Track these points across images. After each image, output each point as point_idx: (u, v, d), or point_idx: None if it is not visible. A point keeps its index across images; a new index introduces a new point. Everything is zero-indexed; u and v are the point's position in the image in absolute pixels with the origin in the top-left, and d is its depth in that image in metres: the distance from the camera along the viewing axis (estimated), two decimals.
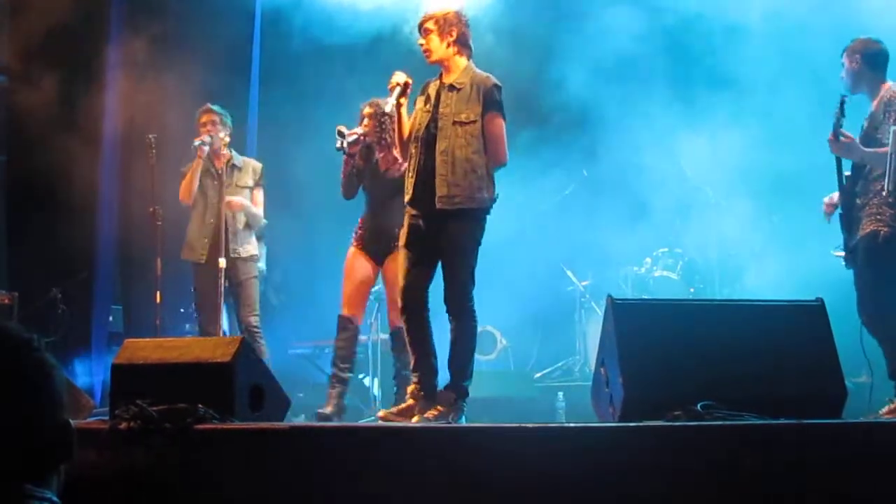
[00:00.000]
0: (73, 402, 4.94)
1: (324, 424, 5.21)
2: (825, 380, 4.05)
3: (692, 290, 8.13)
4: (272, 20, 8.78)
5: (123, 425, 3.71)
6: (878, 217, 5.11)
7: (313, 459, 3.53)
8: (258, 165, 6.83)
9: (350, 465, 3.47)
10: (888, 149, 4.96)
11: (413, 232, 5.01)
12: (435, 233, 4.93)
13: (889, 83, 5.27)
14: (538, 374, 8.49)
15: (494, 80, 4.97)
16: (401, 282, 5.02)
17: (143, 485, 3.63)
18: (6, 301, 6.99)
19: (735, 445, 3.43)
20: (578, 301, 8.67)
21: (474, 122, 4.89)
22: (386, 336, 8.01)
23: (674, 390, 3.83)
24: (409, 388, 5.03)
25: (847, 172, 5.31)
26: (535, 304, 8.61)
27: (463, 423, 4.81)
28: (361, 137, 5.77)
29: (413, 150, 5.03)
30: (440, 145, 4.90)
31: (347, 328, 5.77)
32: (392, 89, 5.08)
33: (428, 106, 5.04)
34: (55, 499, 1.57)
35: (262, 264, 7.94)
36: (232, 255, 6.52)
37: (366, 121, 5.86)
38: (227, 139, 6.57)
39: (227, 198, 6.52)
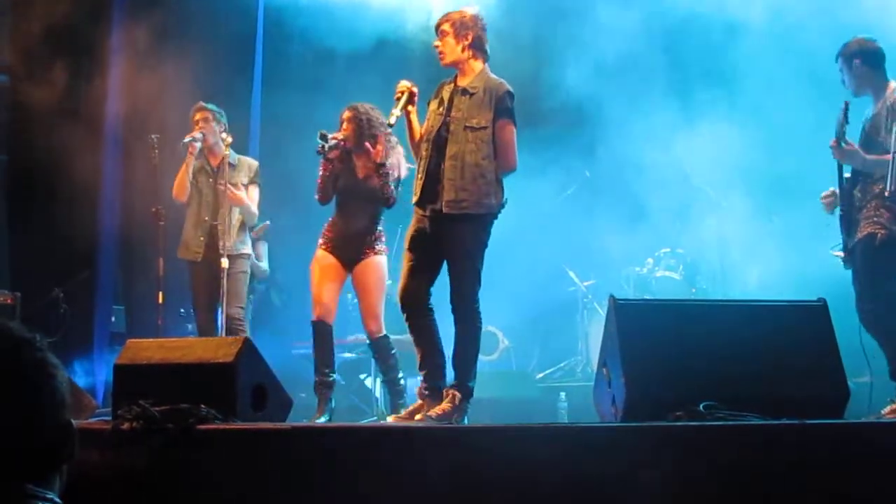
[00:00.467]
0: (76, 403, 4.93)
1: (326, 424, 5.22)
2: (827, 380, 4.05)
3: (694, 290, 8.13)
4: (275, 19, 8.78)
5: (126, 426, 3.72)
6: (876, 219, 5.11)
7: (315, 460, 3.53)
8: (254, 163, 6.79)
9: (351, 466, 3.47)
10: (889, 156, 4.95)
11: (418, 235, 5.01)
12: (440, 236, 4.93)
13: (893, 84, 5.25)
14: (540, 375, 8.49)
15: (507, 86, 4.95)
16: (401, 283, 5.02)
17: (145, 485, 3.63)
18: (8, 301, 7.00)
19: (737, 445, 3.43)
20: (580, 301, 8.67)
21: (485, 127, 4.88)
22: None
23: (676, 390, 3.84)
24: (418, 389, 5.06)
25: (847, 174, 5.31)
26: (537, 305, 8.61)
27: (465, 423, 4.82)
28: (342, 143, 5.73)
29: (423, 153, 5.02)
30: (450, 149, 4.90)
31: (323, 332, 5.71)
32: (398, 98, 5.07)
33: (441, 109, 5.01)
34: (57, 499, 1.57)
35: (264, 264, 7.95)
36: (220, 252, 6.43)
37: (345, 125, 5.82)
38: (229, 139, 6.53)
39: (230, 186, 6.45)
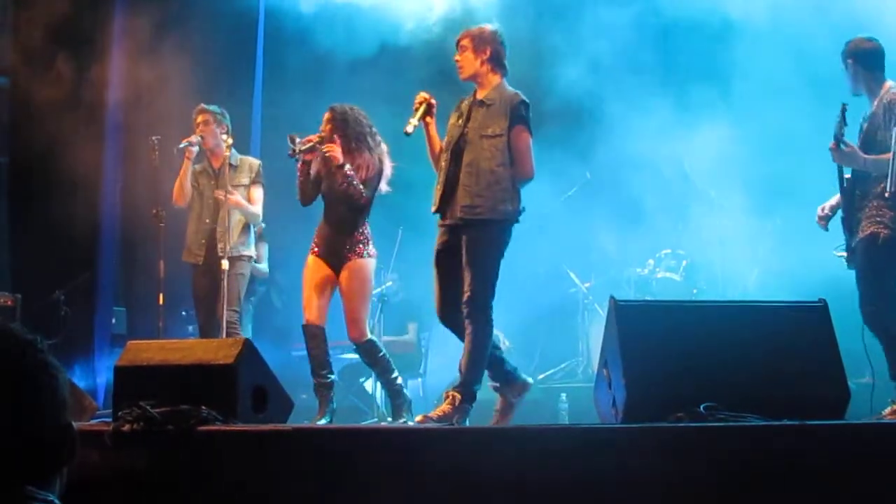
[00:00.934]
0: (76, 404, 4.94)
1: (326, 426, 5.21)
2: (828, 381, 4.05)
3: (695, 291, 8.13)
4: (275, 20, 8.78)
5: (126, 427, 3.72)
6: (878, 219, 5.10)
7: (316, 461, 3.54)
8: (255, 163, 6.75)
9: (352, 467, 3.47)
10: (889, 156, 4.94)
11: (442, 249, 5.13)
12: (459, 243, 5.03)
13: (889, 83, 5.24)
14: (541, 376, 8.47)
15: (522, 96, 5.08)
16: (436, 303, 5.14)
17: (145, 486, 3.63)
18: (9, 303, 7.00)
19: (737, 446, 3.43)
20: (581, 303, 8.66)
21: (500, 135, 5.00)
22: (388, 338, 8.04)
23: (676, 391, 3.84)
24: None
25: (847, 174, 5.31)
26: (538, 306, 8.60)
27: (466, 425, 4.83)
28: (317, 145, 5.68)
29: (443, 163, 5.15)
30: (466, 157, 5.04)
31: (314, 334, 5.67)
32: (416, 109, 5.17)
33: (460, 121, 5.17)
34: (57, 501, 1.57)
35: (264, 265, 7.94)
36: (219, 254, 6.41)
37: (322, 126, 5.79)
38: (230, 140, 6.51)
39: (225, 192, 6.41)
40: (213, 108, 6.66)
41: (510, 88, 5.14)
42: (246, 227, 6.68)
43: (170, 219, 6.84)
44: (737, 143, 7.93)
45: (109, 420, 4.04)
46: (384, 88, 7.82)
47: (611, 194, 8.51)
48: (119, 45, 7.93)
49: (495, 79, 5.16)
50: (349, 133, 5.70)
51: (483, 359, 4.98)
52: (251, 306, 7.84)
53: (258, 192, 6.67)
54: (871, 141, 5.18)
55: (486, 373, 5.12)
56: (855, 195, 5.25)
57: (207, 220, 6.57)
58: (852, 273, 5.25)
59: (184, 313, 8.12)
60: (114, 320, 8.00)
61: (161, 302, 6.75)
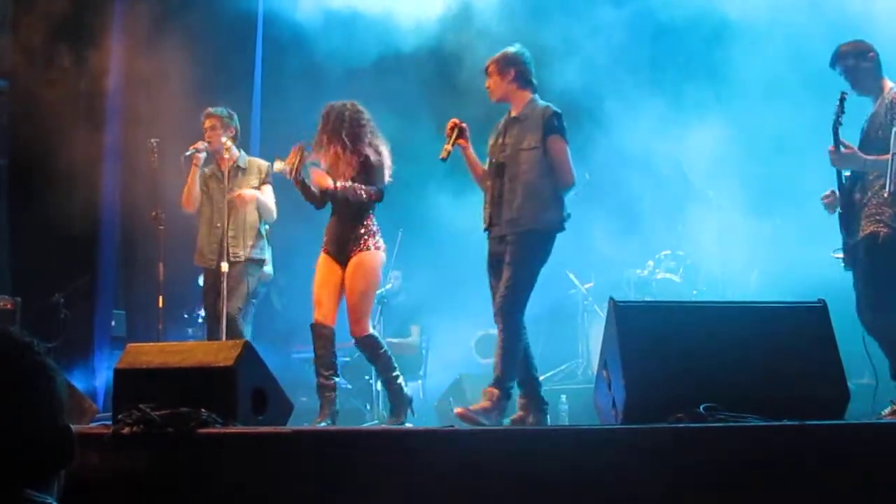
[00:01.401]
0: (76, 407, 4.94)
1: (326, 428, 5.20)
2: (827, 381, 4.04)
3: (695, 292, 8.13)
4: (276, 19, 8.79)
5: (126, 430, 3.72)
6: (878, 218, 5.08)
7: (315, 462, 3.53)
8: (264, 164, 6.71)
9: (351, 468, 3.47)
10: (888, 156, 4.93)
11: (491, 259, 5.37)
12: (505, 251, 5.25)
13: (890, 83, 5.24)
14: (541, 377, 8.46)
15: (554, 108, 5.31)
16: (495, 308, 5.30)
17: (145, 489, 3.63)
18: (8, 306, 7.00)
19: (737, 447, 3.43)
20: (581, 304, 8.67)
21: (536, 147, 5.22)
22: (390, 340, 8.03)
23: (676, 392, 3.83)
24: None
25: (847, 173, 5.29)
26: (538, 307, 8.54)
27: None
28: (301, 153, 5.69)
29: (488, 183, 5.38)
30: (508, 173, 5.28)
31: (322, 334, 5.63)
32: (448, 135, 5.36)
33: (500, 140, 5.41)
34: (55, 503, 1.57)
35: (269, 268, 7.93)
36: (233, 259, 6.41)
37: (319, 125, 5.80)
38: (228, 143, 6.50)
39: (238, 191, 6.43)
40: (219, 111, 6.63)
41: (541, 102, 5.38)
42: (258, 231, 6.63)
43: (169, 221, 6.84)
44: (735, 143, 7.94)
45: (109, 423, 4.04)
46: (383, 91, 7.82)
47: (610, 195, 8.51)
48: (119, 45, 7.92)
49: (525, 95, 5.39)
50: (346, 132, 5.68)
51: (511, 360, 5.19)
52: (253, 308, 7.84)
53: (269, 191, 6.65)
54: (873, 140, 5.16)
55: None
56: (853, 193, 5.24)
57: (219, 224, 6.51)
58: (851, 273, 5.24)
59: (185, 316, 8.13)
60: (113, 323, 7.99)
61: (161, 304, 6.75)
